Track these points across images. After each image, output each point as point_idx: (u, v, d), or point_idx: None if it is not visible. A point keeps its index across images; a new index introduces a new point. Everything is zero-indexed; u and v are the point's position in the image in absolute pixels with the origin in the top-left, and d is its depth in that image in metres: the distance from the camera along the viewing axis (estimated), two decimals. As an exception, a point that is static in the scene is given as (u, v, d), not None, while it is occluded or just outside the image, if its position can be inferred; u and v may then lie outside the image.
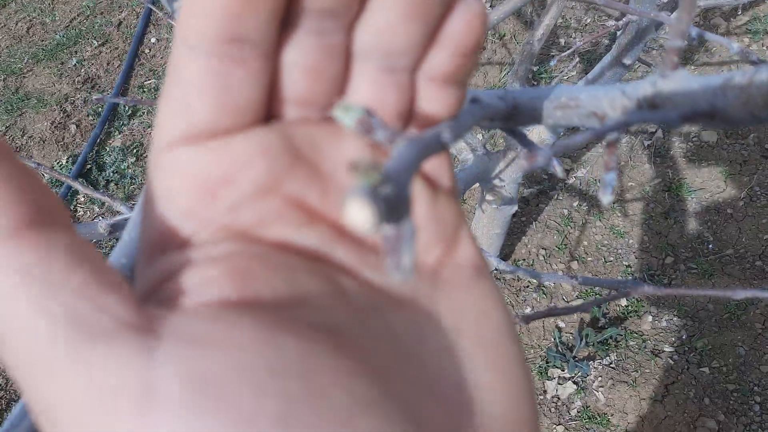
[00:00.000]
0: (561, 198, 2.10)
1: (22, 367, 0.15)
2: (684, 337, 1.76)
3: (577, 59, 2.19)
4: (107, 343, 0.14)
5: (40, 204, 0.16)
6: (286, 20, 0.18)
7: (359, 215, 0.14)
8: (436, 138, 0.18)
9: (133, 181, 2.32)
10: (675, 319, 1.80)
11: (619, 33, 1.13)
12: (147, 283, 0.18)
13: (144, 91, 2.57)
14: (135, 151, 2.39)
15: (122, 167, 2.34)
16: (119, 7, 2.96)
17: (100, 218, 2.17)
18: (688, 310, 1.80)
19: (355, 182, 0.14)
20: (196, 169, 0.18)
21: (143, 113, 2.49)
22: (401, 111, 0.21)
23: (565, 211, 2.07)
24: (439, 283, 0.20)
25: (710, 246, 1.92)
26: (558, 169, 0.44)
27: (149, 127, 2.44)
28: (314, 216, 0.19)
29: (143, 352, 0.14)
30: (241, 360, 0.15)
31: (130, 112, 2.51)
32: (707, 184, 2.04)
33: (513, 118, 0.40)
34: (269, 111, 0.19)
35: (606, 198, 0.33)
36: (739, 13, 2.41)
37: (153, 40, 2.77)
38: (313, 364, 0.15)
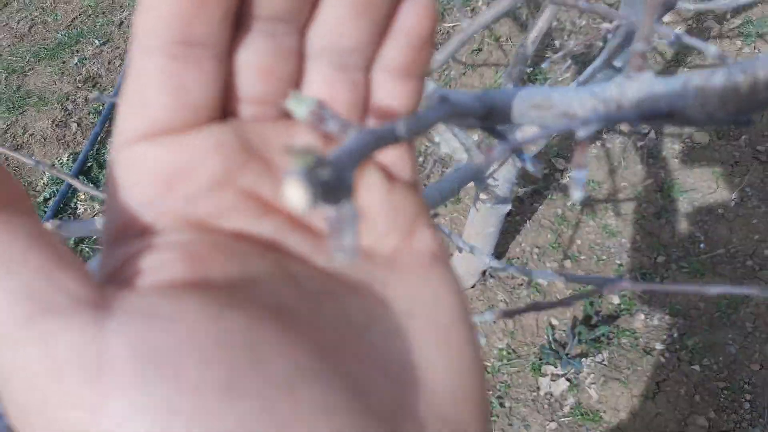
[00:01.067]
0: (555, 198, 2.12)
1: None
2: (675, 336, 1.78)
3: (570, 61, 2.20)
4: (61, 317, 0.15)
5: (1, 192, 0.17)
6: (238, 22, 0.19)
7: (295, 195, 0.14)
8: (390, 131, 0.19)
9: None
10: (666, 317, 1.82)
11: (609, 36, 1.15)
12: (109, 266, 0.18)
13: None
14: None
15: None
16: (120, 6, 2.98)
17: (101, 215, 2.19)
18: (679, 309, 1.82)
19: (291, 165, 0.15)
20: (153, 163, 0.19)
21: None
22: (354, 107, 0.22)
23: (559, 211, 2.09)
24: (395, 269, 0.21)
25: (702, 246, 1.94)
26: (530, 167, 0.46)
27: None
28: (268, 208, 0.20)
29: (95, 325, 0.15)
30: (187, 333, 0.15)
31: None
32: (699, 185, 2.06)
33: (489, 118, 0.42)
34: (225, 109, 0.20)
35: (576, 195, 0.35)
36: (730, 17, 2.44)
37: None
38: (258, 337, 0.16)
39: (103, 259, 0.19)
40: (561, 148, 2.23)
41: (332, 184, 0.16)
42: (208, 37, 0.19)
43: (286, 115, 0.21)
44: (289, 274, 0.19)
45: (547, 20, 1.58)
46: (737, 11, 2.43)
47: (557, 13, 1.93)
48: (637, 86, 0.35)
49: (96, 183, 2.34)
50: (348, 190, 0.16)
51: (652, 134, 2.19)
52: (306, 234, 0.21)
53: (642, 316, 1.83)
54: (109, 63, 2.74)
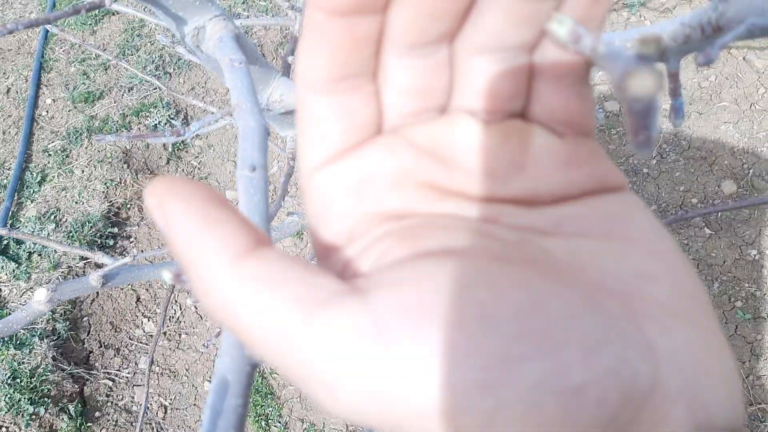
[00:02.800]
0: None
1: (271, 350, 0.19)
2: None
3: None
4: (330, 305, 0.18)
5: (251, 232, 0.20)
6: (391, 49, 0.22)
7: (646, 82, 0.16)
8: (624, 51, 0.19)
9: (57, 250, 2.22)
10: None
11: None
12: (335, 271, 0.22)
13: (49, 155, 2.47)
14: (53, 217, 2.29)
15: (47, 232, 2.24)
16: (4, 73, 2.84)
17: (33, 290, 2.07)
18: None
19: (640, 52, 0.16)
20: (340, 180, 0.23)
21: (53, 177, 2.40)
22: (517, 96, 0.23)
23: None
24: (588, 203, 0.23)
25: (635, 205, 2.04)
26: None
27: (63, 190, 2.35)
28: (446, 192, 0.23)
29: (359, 304, 0.18)
30: (434, 287, 0.18)
31: (39, 178, 2.40)
32: (619, 151, 2.17)
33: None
34: (389, 124, 0.24)
35: (678, 121, 0.35)
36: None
37: (48, 101, 2.67)
38: (491, 277, 0.18)
39: (325, 269, 0.21)
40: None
41: (658, 73, 0.16)
42: (364, 68, 0.22)
43: (441, 114, 0.24)
44: (488, 232, 0.22)
45: None
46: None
47: None
48: (735, 5, 0.32)
49: (17, 260, 2.21)
50: (662, 80, 0.17)
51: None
52: (484, 204, 0.23)
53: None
54: (3, 133, 2.60)
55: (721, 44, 0.26)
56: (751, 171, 2.03)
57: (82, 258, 2.18)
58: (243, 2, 2.87)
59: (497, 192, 0.23)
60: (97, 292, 2.16)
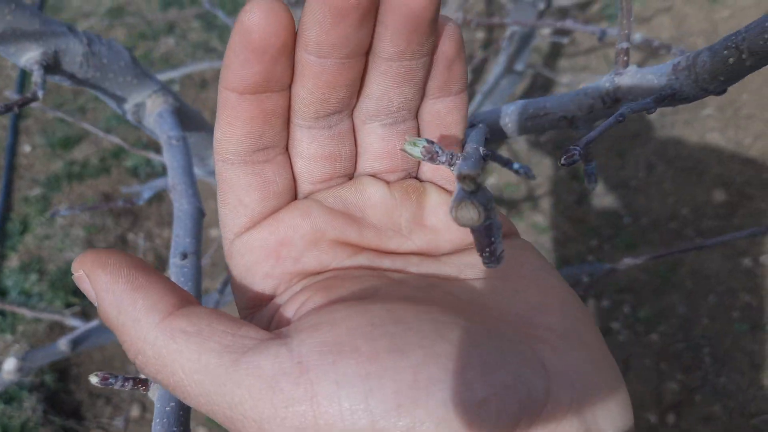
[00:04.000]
0: (478, 209, 2.15)
1: (199, 396, 0.20)
2: (627, 311, 1.83)
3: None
4: (255, 353, 0.20)
5: (177, 293, 0.22)
6: (298, 122, 0.25)
7: (470, 214, 0.18)
8: (478, 155, 0.22)
9: (42, 298, 2.18)
10: (615, 296, 1.86)
11: (504, 45, 1.18)
12: (261, 325, 0.25)
13: (29, 203, 2.43)
14: (36, 267, 2.25)
15: (26, 287, 2.20)
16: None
17: (19, 344, 2.03)
18: (624, 285, 1.87)
19: (461, 189, 0.18)
20: (260, 244, 0.25)
21: (36, 226, 2.36)
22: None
23: (486, 221, 2.11)
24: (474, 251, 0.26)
25: (626, 220, 2.01)
26: (525, 174, 0.45)
27: (46, 239, 2.31)
28: (357, 248, 0.26)
29: (282, 347, 0.20)
30: (347, 326, 0.20)
31: (21, 228, 2.37)
32: (607, 164, 2.14)
33: (488, 139, 0.40)
34: (302, 191, 0.27)
35: (592, 185, 0.37)
36: (589, 3, 2.58)
37: (27, 149, 2.64)
38: (398, 314, 0.21)
39: (249, 323, 0.23)
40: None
41: (487, 202, 0.19)
42: (275, 140, 0.25)
43: (349, 178, 0.28)
44: (395, 280, 0.25)
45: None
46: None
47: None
48: (629, 78, 0.35)
49: (2, 313, 2.16)
50: (492, 203, 0.19)
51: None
52: (393, 257, 0.26)
53: (592, 302, 1.87)
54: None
55: (588, 140, 0.29)
56: (740, 178, 2.00)
57: (68, 306, 2.14)
58: (218, 36, 2.85)
59: (403, 245, 0.27)
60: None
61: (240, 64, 0.22)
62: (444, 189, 0.27)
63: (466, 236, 0.26)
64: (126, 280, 0.22)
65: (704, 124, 2.16)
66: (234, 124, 0.24)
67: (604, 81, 0.35)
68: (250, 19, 0.21)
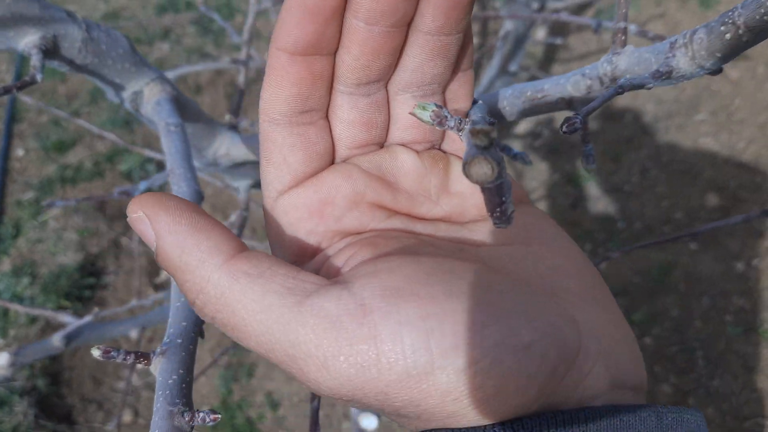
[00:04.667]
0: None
1: (260, 335, 0.22)
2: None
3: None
4: (318, 295, 0.22)
5: (235, 238, 0.24)
6: (341, 88, 0.27)
7: (484, 170, 0.18)
8: (486, 121, 0.23)
9: (34, 301, 2.17)
10: (608, 299, 1.86)
11: (499, 44, 1.19)
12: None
13: (22, 207, 2.42)
14: (29, 270, 2.24)
15: (18, 290, 2.19)
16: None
17: (11, 347, 2.02)
18: (619, 288, 1.87)
19: (473, 146, 0.18)
20: (304, 202, 0.27)
21: (28, 230, 2.35)
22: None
23: (480, 224, 2.12)
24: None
25: (620, 224, 2.02)
26: (523, 161, 0.45)
27: (38, 242, 2.30)
28: (392, 211, 0.28)
29: (345, 291, 0.22)
30: (402, 272, 0.22)
31: (14, 232, 2.35)
32: (601, 168, 2.15)
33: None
34: (340, 155, 0.28)
35: (590, 166, 0.37)
36: (582, 11, 2.60)
37: (21, 152, 2.63)
38: (445, 264, 0.23)
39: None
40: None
41: (500, 162, 0.19)
42: (319, 104, 0.26)
43: (381, 146, 0.29)
44: (428, 242, 0.26)
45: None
46: (589, 4, 2.59)
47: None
48: (627, 58, 0.35)
49: (-4, 315, 2.15)
50: (503, 164, 0.19)
51: (546, 132, 2.28)
52: (424, 223, 0.28)
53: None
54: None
55: (588, 109, 0.29)
56: (733, 182, 2.01)
57: (61, 310, 2.13)
58: (213, 41, 2.86)
59: (432, 210, 0.29)
60: (78, 346, 2.11)
61: (294, 23, 0.23)
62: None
63: None
64: (189, 222, 0.23)
65: (698, 129, 2.17)
66: (283, 85, 0.25)
67: (602, 61, 0.35)
68: None
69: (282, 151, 0.26)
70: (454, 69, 0.28)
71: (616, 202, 2.06)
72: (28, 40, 0.42)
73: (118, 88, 0.51)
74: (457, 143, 0.30)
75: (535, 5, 1.13)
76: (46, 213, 2.39)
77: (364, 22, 0.24)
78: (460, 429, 0.21)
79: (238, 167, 0.63)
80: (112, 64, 0.47)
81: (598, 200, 2.08)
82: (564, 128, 0.26)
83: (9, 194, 2.49)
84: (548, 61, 2.49)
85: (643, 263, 1.91)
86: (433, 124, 0.22)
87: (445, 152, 0.30)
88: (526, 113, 0.39)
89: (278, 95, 0.25)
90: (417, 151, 0.29)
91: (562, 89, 0.37)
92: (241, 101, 0.61)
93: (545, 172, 2.19)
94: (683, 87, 2.29)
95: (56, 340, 0.75)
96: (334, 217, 0.27)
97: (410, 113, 0.25)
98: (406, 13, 0.24)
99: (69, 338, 0.75)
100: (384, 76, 0.27)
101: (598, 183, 2.11)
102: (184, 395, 0.28)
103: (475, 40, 2.64)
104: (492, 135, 0.18)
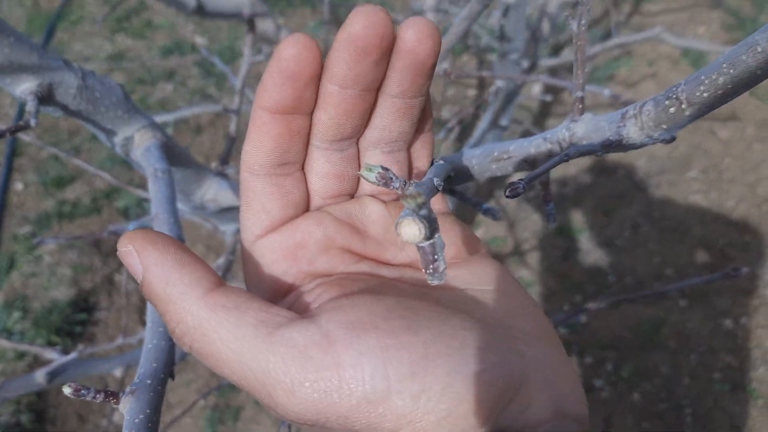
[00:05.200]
0: (465, 262, 2.16)
1: (233, 363, 0.24)
2: (610, 369, 1.83)
3: (456, 127, 2.30)
4: (287, 328, 0.24)
5: (215, 274, 0.26)
6: (315, 144, 0.30)
7: (412, 230, 0.21)
8: (431, 183, 0.26)
9: (24, 336, 2.16)
10: (598, 352, 1.86)
11: (490, 99, 1.23)
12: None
13: (18, 241, 2.43)
14: (21, 305, 2.23)
15: (8, 324, 2.18)
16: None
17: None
18: (608, 342, 1.87)
19: (406, 207, 0.20)
20: (279, 246, 0.29)
21: (23, 263, 2.35)
22: (402, 174, 0.32)
23: (472, 274, 2.12)
24: (461, 266, 0.31)
25: (611, 278, 2.03)
26: (494, 216, 0.47)
27: (32, 276, 2.30)
28: (361, 256, 0.31)
29: (312, 324, 0.24)
30: (366, 308, 0.25)
31: (8, 265, 2.36)
32: (593, 222, 2.17)
33: (453, 179, 0.42)
34: (314, 204, 0.31)
35: (552, 224, 0.39)
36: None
37: (20, 186, 2.66)
38: (405, 302, 0.26)
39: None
40: (460, 213, 2.29)
41: (429, 220, 0.21)
42: (296, 157, 0.30)
43: (352, 197, 0.32)
44: (393, 285, 0.29)
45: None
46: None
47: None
48: (584, 125, 0.37)
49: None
50: (436, 225, 0.22)
51: (539, 184, 2.30)
52: (390, 268, 0.31)
53: (575, 358, 1.87)
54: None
55: (532, 176, 0.32)
56: (722, 240, 2.03)
57: (48, 347, 2.12)
58: (215, 84, 2.91)
59: (398, 256, 0.32)
60: (66, 381, 2.09)
61: (275, 87, 0.27)
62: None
63: (451, 251, 0.32)
64: (174, 258, 0.25)
65: (689, 186, 2.20)
66: (263, 140, 0.28)
67: (562, 127, 0.37)
68: (288, 51, 0.26)
69: (260, 198, 0.29)
70: (417, 131, 0.32)
71: (607, 256, 2.08)
72: (24, 87, 0.44)
73: (110, 134, 0.53)
74: None
75: (525, 64, 1.16)
76: (41, 248, 2.40)
77: (339, 86, 0.27)
78: None
79: (225, 212, 0.64)
80: (105, 111, 0.49)
81: (590, 253, 2.10)
82: (507, 193, 0.28)
83: (6, 228, 2.51)
84: (543, 115, 2.54)
85: (633, 319, 1.91)
86: (379, 185, 0.24)
87: None
88: (493, 172, 0.41)
89: (259, 149, 0.28)
90: (385, 202, 0.32)
91: (526, 151, 0.39)
92: (232, 148, 0.64)
93: (538, 223, 2.21)
94: (675, 145, 2.32)
95: (39, 376, 0.76)
96: (306, 260, 0.29)
97: (357, 173, 0.28)
98: (375, 79, 0.28)
99: (53, 375, 0.75)
100: (355, 134, 0.30)
101: (590, 236, 2.13)
102: (151, 432, 0.30)
103: (471, 92, 2.70)
104: (419, 200, 0.20)
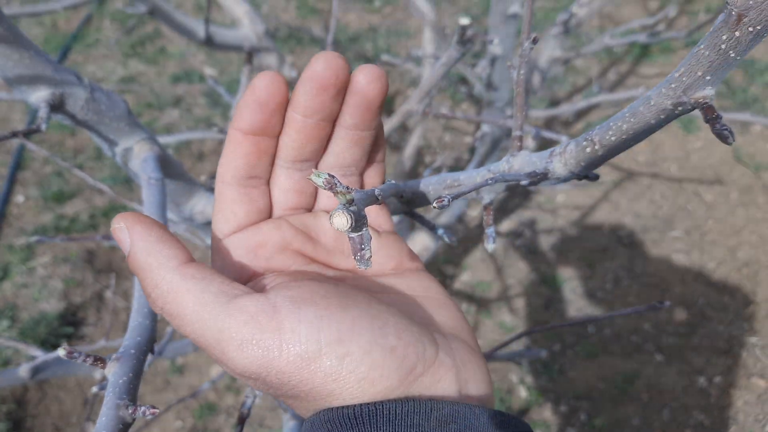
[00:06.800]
0: (449, 303, 2.19)
1: (195, 323, 0.29)
2: (584, 418, 1.85)
3: (445, 171, 2.36)
4: (242, 298, 0.29)
5: (188, 251, 0.31)
6: (280, 163, 0.36)
7: (340, 221, 0.26)
8: (372, 192, 0.30)
9: (11, 346, 2.18)
10: (572, 402, 1.89)
11: (477, 144, 1.29)
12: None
13: (14, 252, 2.47)
14: (9, 314, 2.26)
15: (-4, 332, 2.21)
16: None
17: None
18: (582, 392, 1.90)
19: (337, 202, 0.29)
20: (243, 243, 0.35)
21: (16, 274, 2.39)
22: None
23: (455, 315, 2.16)
24: (398, 276, 0.37)
25: (590, 329, 2.06)
26: (446, 239, 0.52)
27: (24, 287, 2.34)
28: (312, 260, 0.37)
29: (262, 296, 0.29)
30: (309, 288, 0.30)
31: (1, 274, 2.40)
32: (576, 273, 2.22)
33: (412, 201, 0.48)
34: (275, 214, 0.37)
35: (490, 246, 0.44)
36: (573, 121, 2.73)
37: (21, 199, 2.71)
38: (343, 288, 0.31)
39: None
40: (448, 255, 2.34)
41: (358, 216, 0.27)
42: (263, 173, 0.36)
43: (309, 211, 0.39)
44: (335, 283, 0.33)
45: (419, 137, 1.72)
46: (578, 116, 2.73)
47: (424, 133, 2.09)
48: (520, 159, 0.43)
49: (-31, 354, 2.15)
50: (365, 221, 0.27)
51: (528, 233, 2.36)
52: (336, 271, 0.37)
53: (550, 405, 1.89)
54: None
55: (457, 195, 0.36)
56: (702, 300, 2.07)
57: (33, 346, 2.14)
58: (221, 114, 2.99)
59: (343, 262, 0.37)
60: (46, 393, 2.11)
61: (249, 112, 0.33)
62: (373, 229, 0.39)
63: (388, 263, 0.38)
64: (156, 234, 0.30)
65: (671, 245, 2.26)
66: (236, 155, 0.34)
67: (503, 161, 0.42)
68: (261, 83, 0.33)
69: (230, 204, 0.35)
70: (369, 160, 0.38)
71: (588, 307, 2.12)
72: (38, 95, 0.50)
73: (112, 144, 0.58)
74: (373, 216, 0.40)
75: (510, 112, 1.23)
76: (35, 259, 2.44)
77: (301, 115, 0.34)
78: (338, 408, 0.29)
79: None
80: (108, 122, 0.55)
81: (571, 303, 2.14)
82: (435, 204, 0.33)
83: (3, 237, 2.55)
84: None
85: (608, 370, 1.94)
86: (324, 188, 0.28)
87: None
88: (447, 198, 0.46)
89: (231, 163, 0.35)
90: None
91: (473, 180, 0.44)
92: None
93: (523, 271, 2.25)
94: (660, 204, 2.38)
95: (23, 370, 0.79)
96: (264, 257, 0.35)
97: (307, 178, 0.32)
98: (332, 111, 0.34)
99: (36, 370, 0.79)
100: (314, 158, 0.36)
101: (572, 287, 2.18)
102: (131, 393, 0.34)
103: (468, 139, 2.77)
104: (348, 197, 0.25)
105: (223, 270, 0.35)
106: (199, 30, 1.14)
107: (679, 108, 0.30)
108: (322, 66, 0.32)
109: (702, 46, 0.28)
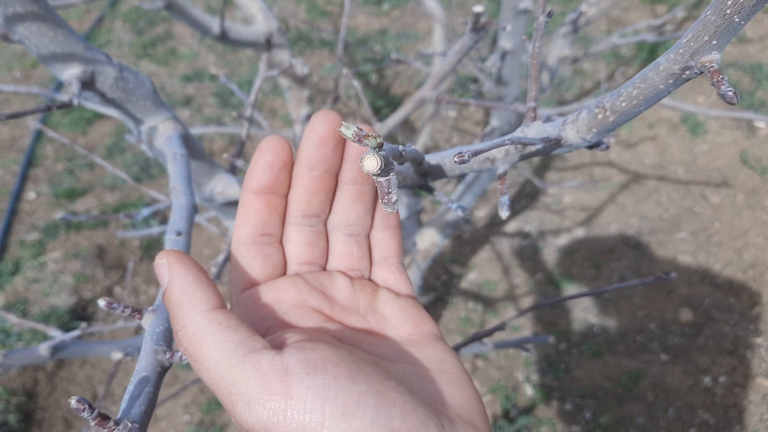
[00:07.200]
0: (455, 302, 2.21)
1: (212, 370, 0.29)
2: (588, 417, 1.86)
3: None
4: (259, 353, 0.29)
5: (220, 297, 0.32)
6: (290, 220, 0.39)
7: (371, 163, 0.27)
8: (396, 147, 0.31)
9: (20, 338, 2.21)
10: (578, 400, 1.90)
11: (486, 140, 1.31)
12: None
13: (25, 247, 2.50)
14: (21, 308, 2.29)
15: (6, 326, 2.23)
16: None
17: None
18: (588, 390, 1.91)
19: (369, 146, 0.27)
20: (261, 297, 0.37)
21: (27, 269, 2.42)
22: (362, 257, 0.41)
23: (462, 314, 2.18)
24: (414, 344, 0.38)
25: (595, 329, 2.07)
26: (460, 212, 0.54)
27: (34, 282, 2.36)
28: (328, 317, 0.38)
29: (277, 356, 0.29)
30: (322, 353, 0.30)
31: (12, 269, 2.42)
32: (582, 273, 2.23)
33: (428, 174, 0.50)
34: (290, 270, 0.39)
35: (504, 213, 0.45)
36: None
37: (32, 195, 2.74)
38: (355, 355, 0.31)
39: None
40: (455, 255, 2.35)
41: (386, 160, 0.28)
42: (275, 230, 0.39)
43: (323, 270, 0.41)
44: (348, 347, 0.34)
45: (427, 136, 1.74)
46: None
47: (432, 133, 2.11)
48: (534, 129, 0.45)
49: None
50: (392, 167, 0.29)
51: (534, 233, 2.37)
52: (354, 333, 0.37)
53: (555, 403, 1.90)
54: None
55: (477, 150, 0.37)
56: (707, 301, 2.08)
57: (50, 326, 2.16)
58: (231, 114, 3.01)
59: (360, 322, 0.38)
60: (56, 386, 2.13)
61: (258, 172, 0.37)
62: (392, 291, 0.41)
63: (406, 325, 0.39)
64: (194, 275, 0.32)
65: (678, 247, 2.27)
66: (249, 215, 0.38)
67: (518, 131, 0.44)
68: (267, 146, 0.37)
69: (247, 260, 0.38)
70: (385, 225, 0.41)
71: (593, 307, 2.13)
72: (71, 72, 0.52)
73: (138, 122, 0.60)
74: (384, 276, 0.42)
75: (520, 108, 1.25)
76: (46, 254, 2.47)
77: (306, 168, 0.37)
78: None
79: (231, 206, 0.71)
80: (135, 100, 0.57)
81: (577, 303, 2.15)
82: (455, 159, 0.35)
83: (14, 233, 2.58)
84: (544, 168, 2.62)
85: (614, 369, 1.95)
86: (353, 140, 0.29)
87: (374, 282, 0.42)
88: (463, 169, 0.48)
89: (245, 222, 0.38)
90: (351, 278, 0.40)
91: (489, 150, 0.46)
92: (242, 149, 0.71)
93: (529, 271, 2.27)
94: (667, 206, 2.40)
95: (43, 349, 0.81)
96: (281, 312, 0.37)
97: (337, 130, 0.35)
98: (334, 164, 0.37)
99: (55, 349, 0.81)
100: (321, 213, 0.39)
101: (578, 287, 2.19)
102: (167, 341, 0.36)
103: (477, 133, 2.79)
104: (378, 140, 0.26)
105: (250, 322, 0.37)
106: (214, 25, 1.16)
107: (687, 72, 0.32)
108: (321, 122, 0.36)
109: (708, 12, 0.30)
